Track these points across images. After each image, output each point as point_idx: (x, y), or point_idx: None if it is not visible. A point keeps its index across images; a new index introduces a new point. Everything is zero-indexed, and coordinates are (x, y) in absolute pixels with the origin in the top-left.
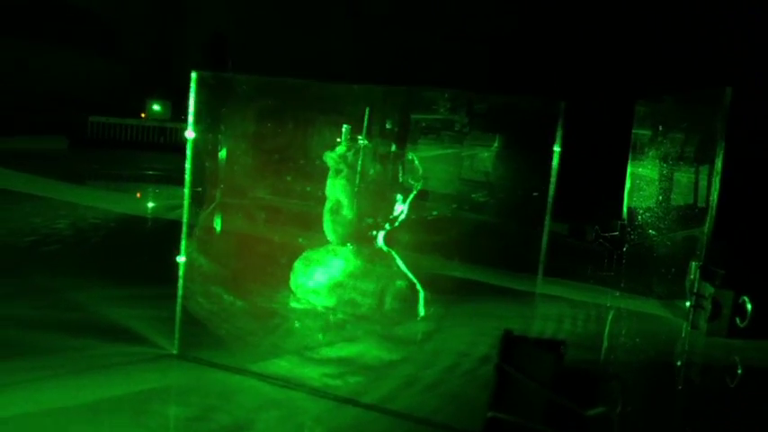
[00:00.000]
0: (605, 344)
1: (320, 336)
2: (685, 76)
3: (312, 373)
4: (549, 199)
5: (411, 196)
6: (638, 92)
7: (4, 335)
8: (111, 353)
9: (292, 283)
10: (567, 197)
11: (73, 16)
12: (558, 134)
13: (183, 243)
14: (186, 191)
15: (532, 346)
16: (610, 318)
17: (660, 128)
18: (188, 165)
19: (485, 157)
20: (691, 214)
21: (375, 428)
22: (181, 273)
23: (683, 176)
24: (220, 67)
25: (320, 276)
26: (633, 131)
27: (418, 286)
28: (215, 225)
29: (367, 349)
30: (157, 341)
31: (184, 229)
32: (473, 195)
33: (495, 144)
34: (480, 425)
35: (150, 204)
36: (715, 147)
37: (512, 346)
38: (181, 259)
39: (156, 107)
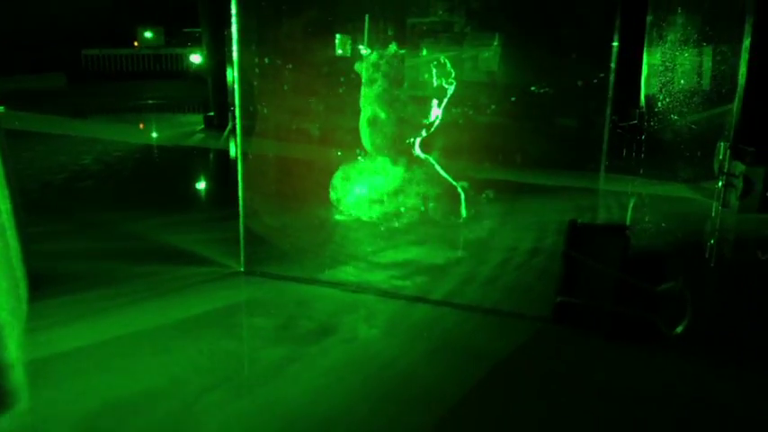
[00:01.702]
0: (644, 228)
1: (376, 242)
2: None
3: (378, 277)
4: (609, 94)
5: (446, 99)
6: None
7: (75, 268)
8: (181, 275)
9: (333, 197)
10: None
11: None
12: (617, 25)
13: (240, 165)
14: (237, 113)
15: (598, 232)
16: (641, 204)
17: (679, 9)
18: (237, 88)
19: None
20: (713, 95)
21: (448, 321)
22: (240, 192)
23: (704, 60)
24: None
25: (362, 188)
26: (648, 16)
27: (459, 188)
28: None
29: (423, 251)
30: (222, 261)
31: (239, 151)
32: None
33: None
34: (548, 310)
35: (165, 133)
36: (742, 24)
37: (578, 233)
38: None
39: (148, 34)
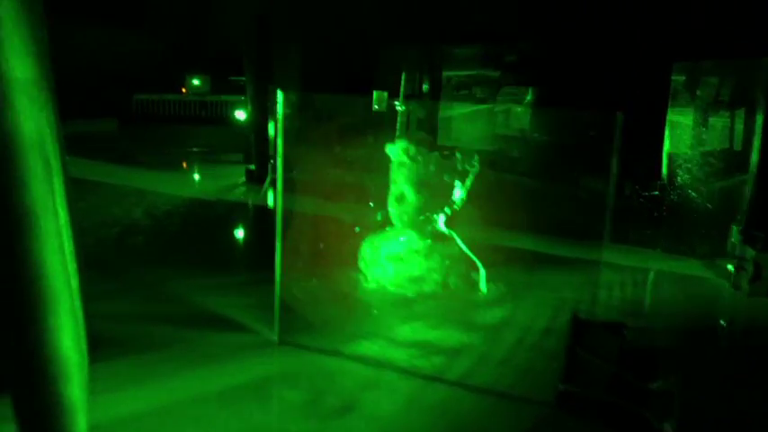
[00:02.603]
0: (653, 309)
1: (398, 315)
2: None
3: (398, 354)
4: (614, 169)
5: (469, 181)
6: (674, 52)
7: (120, 331)
8: (219, 342)
9: (362, 266)
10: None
11: None
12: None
13: (279, 230)
14: (279, 187)
15: (598, 328)
16: (655, 281)
17: (698, 93)
18: (279, 169)
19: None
20: (733, 170)
21: (463, 403)
22: (277, 270)
23: (726, 133)
24: (264, 50)
25: (387, 259)
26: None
27: (479, 264)
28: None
29: (440, 327)
30: (257, 328)
31: (279, 216)
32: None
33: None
34: (552, 397)
35: (209, 186)
36: (754, 112)
37: (580, 327)
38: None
39: (195, 81)
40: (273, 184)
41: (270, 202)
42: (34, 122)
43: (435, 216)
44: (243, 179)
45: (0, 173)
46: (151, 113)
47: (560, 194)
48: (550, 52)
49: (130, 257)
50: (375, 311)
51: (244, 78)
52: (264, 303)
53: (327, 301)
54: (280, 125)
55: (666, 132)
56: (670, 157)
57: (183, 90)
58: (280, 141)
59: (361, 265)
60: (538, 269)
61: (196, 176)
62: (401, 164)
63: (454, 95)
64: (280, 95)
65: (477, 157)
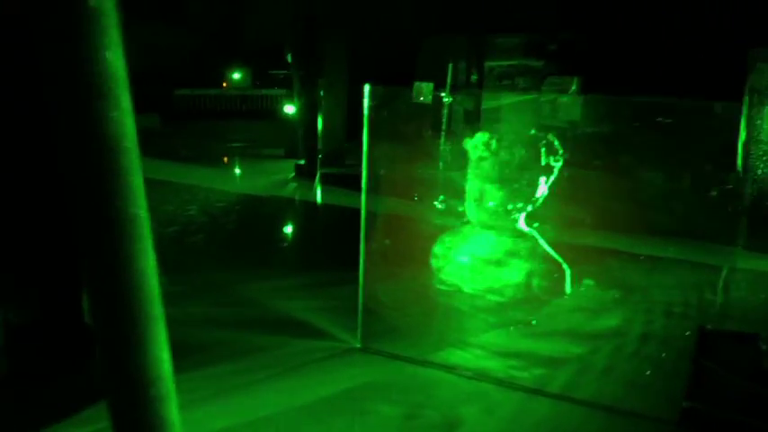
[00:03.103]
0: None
1: (483, 321)
2: None
3: (493, 364)
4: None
5: (553, 176)
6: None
7: (195, 338)
8: (300, 350)
9: (436, 267)
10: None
11: None
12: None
13: (363, 231)
14: (364, 185)
15: (729, 339)
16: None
17: None
18: (364, 171)
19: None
20: None
21: (573, 420)
22: (361, 267)
23: None
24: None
25: (465, 259)
26: (750, 76)
27: (564, 265)
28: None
29: (533, 335)
30: (336, 334)
31: (363, 215)
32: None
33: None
34: (675, 414)
35: (260, 181)
36: None
37: (707, 339)
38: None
39: (236, 75)
40: (322, 179)
41: (318, 198)
42: (131, 122)
43: (516, 214)
44: (292, 174)
45: (110, 177)
46: (192, 108)
47: (631, 188)
48: (599, 39)
49: (194, 257)
50: (458, 313)
51: (284, 72)
52: (339, 306)
53: (408, 303)
54: (366, 120)
55: (743, 122)
56: (746, 147)
57: (224, 84)
58: (365, 137)
59: (436, 265)
60: (629, 269)
61: (244, 172)
62: (481, 159)
63: (497, 86)
64: (366, 88)
65: (561, 152)
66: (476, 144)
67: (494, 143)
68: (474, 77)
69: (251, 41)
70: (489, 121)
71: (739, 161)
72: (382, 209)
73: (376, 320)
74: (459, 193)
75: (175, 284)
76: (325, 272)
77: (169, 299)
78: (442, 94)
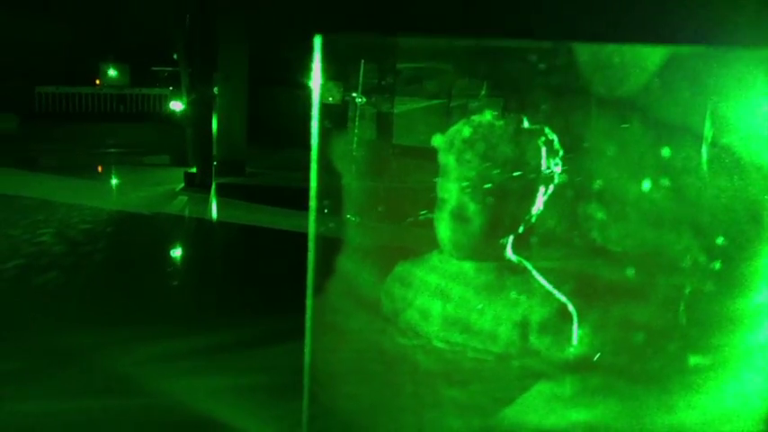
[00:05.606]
0: None
1: (463, 392)
2: None
3: None
4: None
5: (553, 186)
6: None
7: None
8: None
9: (387, 307)
10: None
11: None
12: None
13: (311, 267)
14: (312, 205)
15: None
16: None
17: None
18: (313, 174)
19: None
20: None
21: None
22: (308, 325)
23: None
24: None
25: (429, 300)
26: None
27: (569, 306)
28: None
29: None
30: None
31: (311, 245)
32: None
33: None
34: None
35: (140, 193)
36: None
37: None
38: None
39: (111, 72)
40: (219, 191)
41: (214, 214)
42: None
43: (504, 239)
44: (181, 185)
45: None
46: (59, 109)
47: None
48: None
49: (41, 308)
50: (429, 383)
51: (170, 69)
52: (267, 385)
53: (354, 369)
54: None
55: None
56: None
57: (98, 82)
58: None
59: (386, 306)
60: (610, 301)
61: (121, 183)
62: (460, 162)
63: (404, 89)
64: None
65: (561, 154)
66: (451, 141)
67: (478, 140)
68: (384, 80)
69: (130, 31)
70: (399, 126)
71: None
72: (292, 226)
73: (317, 405)
74: (370, 207)
75: (5, 357)
76: (239, 323)
77: None
78: (354, 95)
